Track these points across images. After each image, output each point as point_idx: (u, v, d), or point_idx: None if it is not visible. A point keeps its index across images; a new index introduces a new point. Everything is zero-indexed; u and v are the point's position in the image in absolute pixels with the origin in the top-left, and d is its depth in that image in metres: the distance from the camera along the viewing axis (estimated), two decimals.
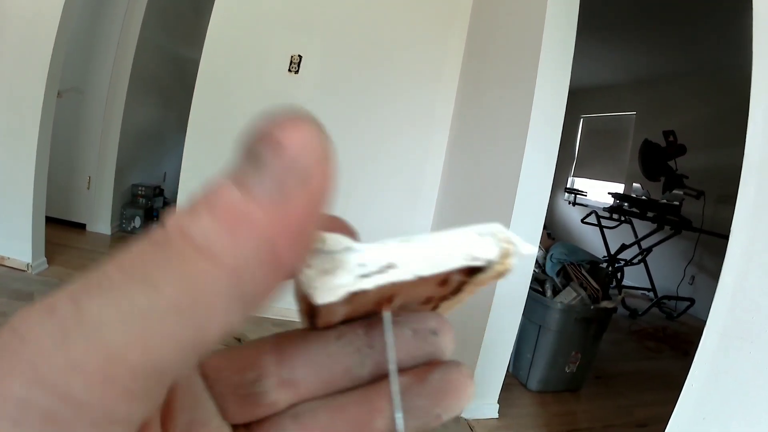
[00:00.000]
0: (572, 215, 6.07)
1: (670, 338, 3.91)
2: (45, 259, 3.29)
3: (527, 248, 0.20)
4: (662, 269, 4.63)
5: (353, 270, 0.18)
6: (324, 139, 0.15)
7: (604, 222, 4.51)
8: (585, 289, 2.57)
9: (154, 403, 0.14)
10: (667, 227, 4.19)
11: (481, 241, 0.19)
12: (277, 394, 0.20)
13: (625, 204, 4.45)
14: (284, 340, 0.21)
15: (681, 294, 4.45)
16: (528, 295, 2.36)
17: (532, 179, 2.23)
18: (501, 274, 0.20)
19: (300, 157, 0.14)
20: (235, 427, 0.20)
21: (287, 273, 0.15)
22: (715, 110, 4.69)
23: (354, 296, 0.18)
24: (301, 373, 0.20)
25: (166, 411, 0.18)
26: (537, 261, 2.78)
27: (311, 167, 0.15)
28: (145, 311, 0.13)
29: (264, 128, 0.15)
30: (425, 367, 0.21)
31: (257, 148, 0.15)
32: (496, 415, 2.40)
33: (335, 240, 0.19)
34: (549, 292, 2.55)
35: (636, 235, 4.37)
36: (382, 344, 0.21)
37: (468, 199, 2.76)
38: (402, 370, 0.21)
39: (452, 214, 2.95)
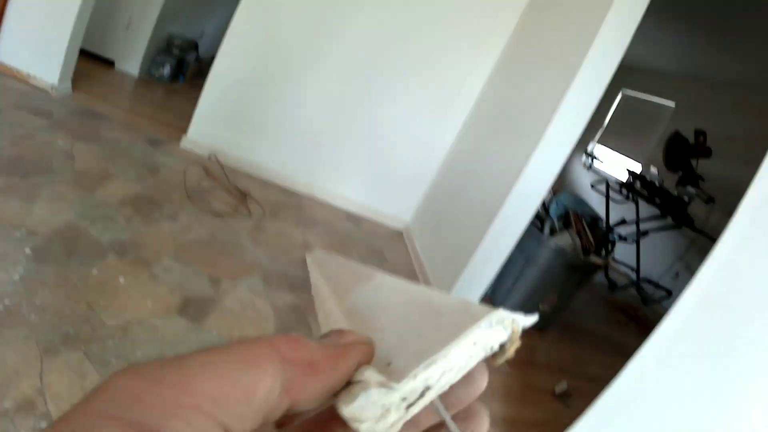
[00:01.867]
0: (583, 178, 6.10)
1: (640, 319, 4.05)
2: (70, 84, 3.33)
3: (529, 321, 0.24)
4: (652, 257, 4.72)
5: (400, 405, 0.21)
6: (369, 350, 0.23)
7: (612, 194, 4.57)
8: (581, 238, 2.66)
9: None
10: (669, 218, 4.25)
11: (493, 333, 0.22)
12: None
13: (638, 183, 4.50)
14: None
15: (662, 285, 4.57)
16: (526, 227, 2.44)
17: (563, 126, 2.28)
18: (513, 350, 0.23)
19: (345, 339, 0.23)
20: None
21: (322, 386, 0.21)
22: (752, 126, 4.65)
23: None
24: None
25: None
26: (543, 201, 2.85)
27: (349, 347, 0.22)
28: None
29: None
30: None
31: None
32: None
33: (375, 383, 0.21)
34: (546, 230, 2.64)
35: (638, 216, 4.43)
36: None
37: (495, 129, 2.81)
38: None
39: (475, 138, 3.00)
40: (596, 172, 5.88)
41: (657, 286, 4.47)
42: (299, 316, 2.15)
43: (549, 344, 2.89)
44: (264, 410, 0.18)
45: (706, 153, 4.41)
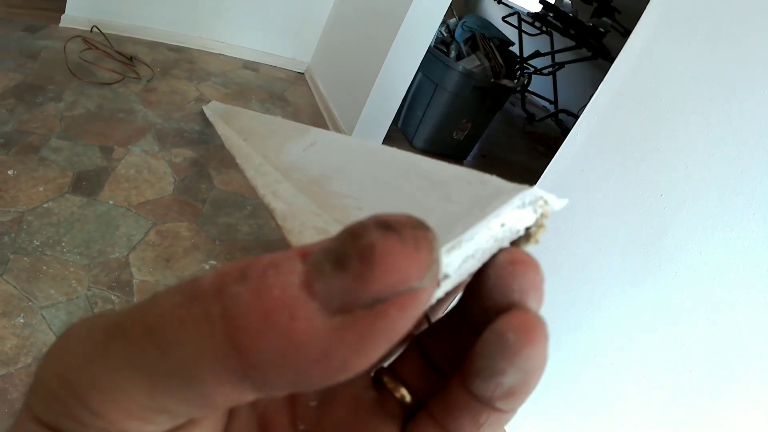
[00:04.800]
0: (494, 12, 5.89)
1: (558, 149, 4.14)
2: None
3: (561, 203, 0.19)
4: (569, 89, 4.74)
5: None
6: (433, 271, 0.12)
7: (525, 27, 4.46)
8: (489, 60, 2.58)
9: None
10: (584, 50, 4.21)
11: (522, 214, 0.17)
12: None
13: (551, 14, 4.38)
14: None
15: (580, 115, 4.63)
16: (430, 52, 2.34)
17: None
18: (540, 236, 0.19)
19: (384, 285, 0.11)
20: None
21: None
22: None
23: None
24: None
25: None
26: (447, 26, 2.73)
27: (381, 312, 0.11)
28: None
29: (369, 235, 0.12)
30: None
31: (349, 249, 0.12)
32: None
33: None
34: (453, 54, 2.54)
35: (553, 47, 4.38)
36: None
37: None
38: None
39: None
40: (507, 5, 5.67)
41: (576, 116, 4.53)
42: (199, 170, 2.12)
43: None
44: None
45: None
